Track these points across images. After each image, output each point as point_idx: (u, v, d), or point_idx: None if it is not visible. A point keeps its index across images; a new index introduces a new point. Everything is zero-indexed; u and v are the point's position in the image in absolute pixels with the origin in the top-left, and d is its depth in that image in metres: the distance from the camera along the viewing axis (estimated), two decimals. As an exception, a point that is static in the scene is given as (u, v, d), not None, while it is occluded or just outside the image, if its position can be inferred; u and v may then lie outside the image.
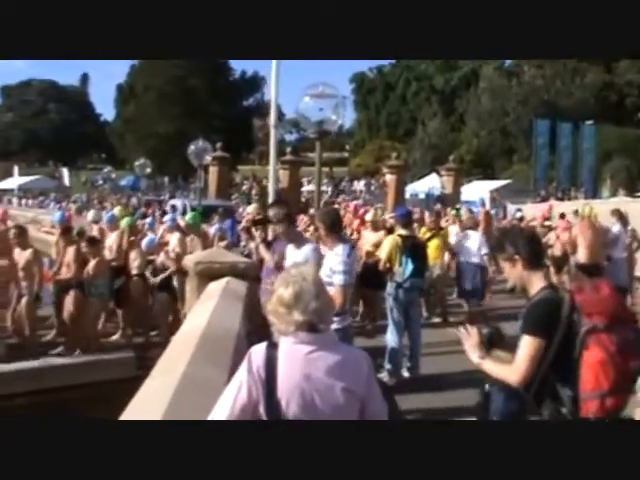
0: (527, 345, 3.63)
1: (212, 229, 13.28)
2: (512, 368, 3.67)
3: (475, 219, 13.53)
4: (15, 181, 68.32)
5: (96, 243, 10.81)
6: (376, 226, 11.98)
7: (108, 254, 11.44)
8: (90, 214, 15.60)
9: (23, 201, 59.75)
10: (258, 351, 2.95)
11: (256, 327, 8.41)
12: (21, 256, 10.42)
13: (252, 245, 11.87)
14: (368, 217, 12.74)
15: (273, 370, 2.87)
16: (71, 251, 10.61)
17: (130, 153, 73.89)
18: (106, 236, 12.35)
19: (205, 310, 6.36)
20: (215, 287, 7.68)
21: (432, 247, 11.80)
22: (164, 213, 20.01)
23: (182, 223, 12.53)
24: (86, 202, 45.21)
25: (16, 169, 70.74)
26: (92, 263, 10.45)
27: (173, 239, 11.67)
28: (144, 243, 11.60)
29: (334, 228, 6.61)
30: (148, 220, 14.16)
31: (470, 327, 4.04)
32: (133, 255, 11.57)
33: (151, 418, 3.37)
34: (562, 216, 16.94)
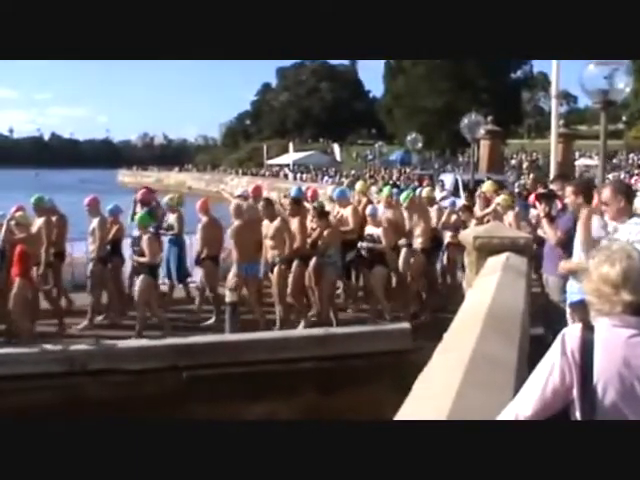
0: None
1: (444, 203, 12.88)
2: None
3: None
4: (290, 157, 72.30)
5: (325, 215, 10.75)
6: None
7: (342, 227, 11.31)
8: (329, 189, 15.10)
9: (298, 175, 63.14)
10: (573, 333, 2.76)
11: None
12: (269, 227, 10.63)
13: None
14: None
15: (590, 354, 2.67)
16: (295, 223, 10.66)
17: (398, 128, 75.03)
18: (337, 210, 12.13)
19: (488, 286, 6.23)
20: (495, 262, 7.52)
21: None
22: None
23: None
24: (357, 177, 46.56)
25: (291, 145, 74.79)
26: (324, 233, 10.48)
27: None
28: (368, 211, 11.23)
29: (628, 199, 6.28)
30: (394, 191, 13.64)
31: None
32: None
33: (443, 393, 3.32)
34: None
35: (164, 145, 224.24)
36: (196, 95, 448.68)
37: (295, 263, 10.62)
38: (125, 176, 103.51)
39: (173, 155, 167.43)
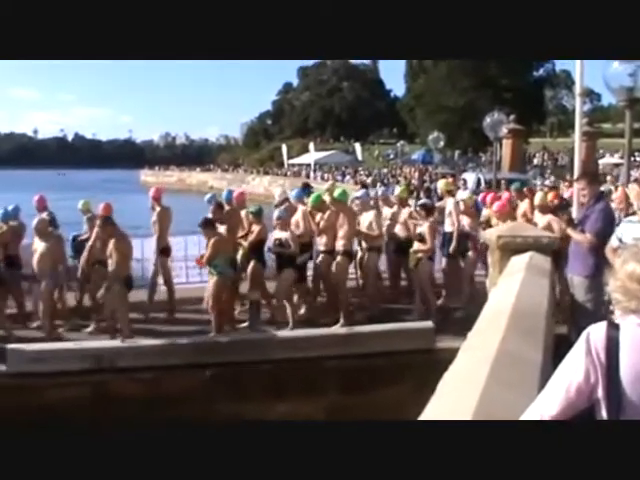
0: None
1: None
2: None
3: None
4: (311, 156, 72.24)
5: (209, 225, 10.35)
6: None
7: (294, 229, 11.00)
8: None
9: (319, 174, 63.13)
10: (597, 331, 2.73)
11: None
12: (110, 244, 10.26)
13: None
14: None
15: (615, 353, 2.65)
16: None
17: (420, 127, 74.81)
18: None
19: (512, 285, 6.23)
20: (519, 261, 7.51)
21: None
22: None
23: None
24: (378, 175, 46.60)
25: (312, 145, 74.77)
26: (210, 242, 10.22)
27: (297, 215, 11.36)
28: (275, 214, 10.94)
29: None
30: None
31: None
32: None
33: (469, 392, 3.33)
34: None
35: (186, 145, 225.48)
36: (218, 95, 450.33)
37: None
38: (147, 176, 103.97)
39: (195, 155, 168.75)
